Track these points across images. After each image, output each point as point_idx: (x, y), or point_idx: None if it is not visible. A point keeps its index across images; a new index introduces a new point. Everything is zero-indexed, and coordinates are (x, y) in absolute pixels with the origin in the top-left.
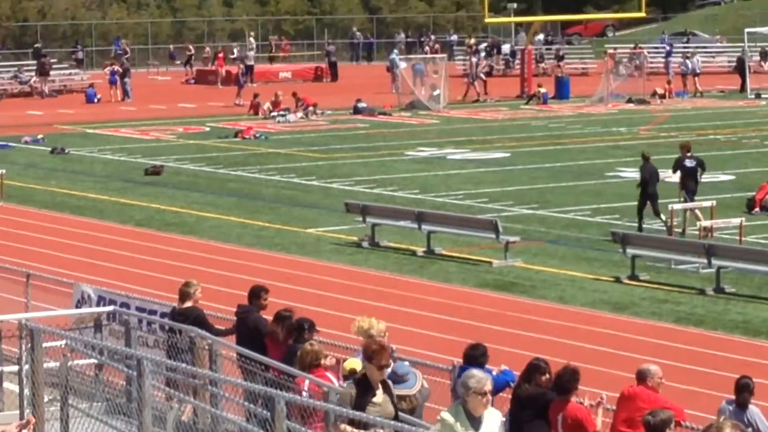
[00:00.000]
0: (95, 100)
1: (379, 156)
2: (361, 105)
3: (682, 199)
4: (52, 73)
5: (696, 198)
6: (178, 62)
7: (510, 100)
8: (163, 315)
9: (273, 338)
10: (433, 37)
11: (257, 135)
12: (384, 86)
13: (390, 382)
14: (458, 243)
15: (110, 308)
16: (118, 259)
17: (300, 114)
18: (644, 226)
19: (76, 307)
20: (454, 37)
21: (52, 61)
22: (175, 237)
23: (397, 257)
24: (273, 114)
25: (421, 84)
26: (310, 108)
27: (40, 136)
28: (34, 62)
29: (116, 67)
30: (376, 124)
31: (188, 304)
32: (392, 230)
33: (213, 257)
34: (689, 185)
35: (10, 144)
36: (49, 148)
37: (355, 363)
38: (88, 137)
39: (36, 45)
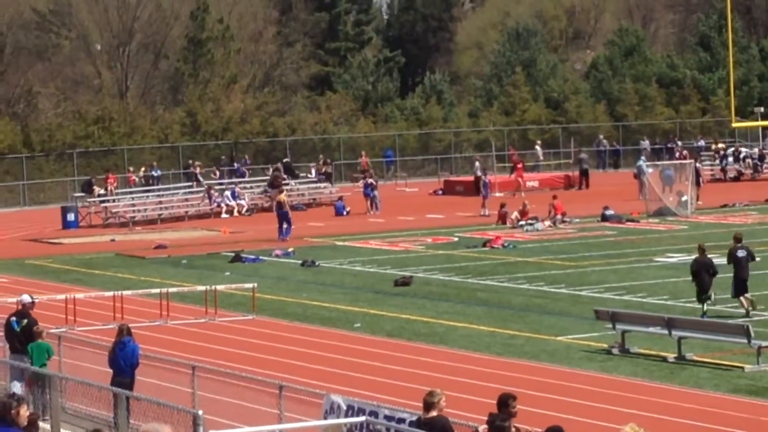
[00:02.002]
0: (344, 213)
1: (628, 263)
2: (609, 212)
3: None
4: (301, 186)
5: None
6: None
7: (759, 204)
8: (411, 424)
9: None
10: (679, 143)
11: (506, 244)
12: (631, 193)
13: None
14: (709, 348)
15: (362, 419)
16: (368, 369)
17: (548, 222)
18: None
19: (325, 417)
20: (701, 143)
21: (302, 174)
22: (425, 347)
23: (648, 364)
24: (521, 223)
25: (669, 190)
26: (558, 216)
27: (290, 249)
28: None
29: (370, 180)
30: (624, 231)
31: (433, 413)
32: (642, 336)
33: (463, 366)
34: (741, 274)
35: (261, 257)
36: (300, 261)
37: None
38: (338, 250)
39: (285, 160)
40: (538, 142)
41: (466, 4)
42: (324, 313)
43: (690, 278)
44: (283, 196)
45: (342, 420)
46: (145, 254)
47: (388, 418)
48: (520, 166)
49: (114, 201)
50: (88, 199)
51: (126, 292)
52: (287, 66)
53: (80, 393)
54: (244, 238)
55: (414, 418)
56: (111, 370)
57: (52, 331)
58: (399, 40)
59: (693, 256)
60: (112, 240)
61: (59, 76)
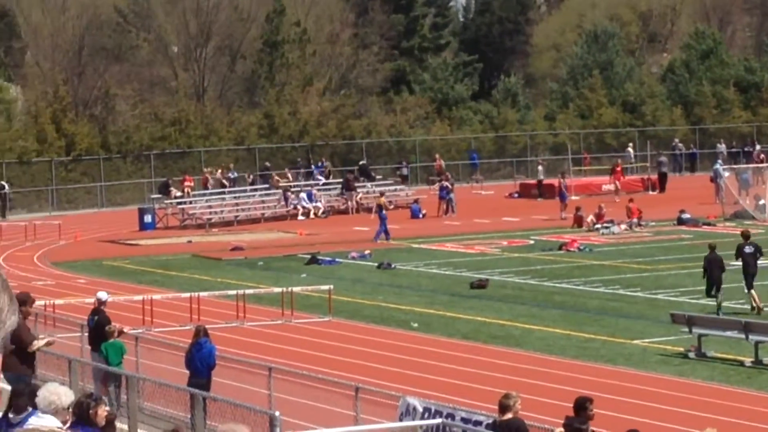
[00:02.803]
0: (420, 216)
1: None
2: (685, 216)
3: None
4: (377, 189)
5: None
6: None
7: None
8: (487, 426)
9: None
10: (758, 146)
11: (581, 247)
12: (707, 197)
13: None
14: None
15: (438, 421)
16: (444, 372)
17: (624, 226)
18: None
19: (401, 419)
20: None
21: (378, 177)
22: (501, 349)
23: (725, 368)
24: (597, 226)
25: (746, 194)
26: (634, 219)
27: (366, 252)
28: (361, 179)
29: (446, 183)
30: (701, 234)
31: (509, 415)
32: (719, 341)
33: (538, 369)
34: (750, 269)
35: (338, 260)
36: (376, 263)
37: None
38: (414, 252)
39: (361, 162)
40: (630, 144)
41: (542, 7)
42: (400, 315)
43: (702, 274)
44: (383, 199)
45: (418, 422)
46: (222, 256)
47: (464, 420)
48: (619, 169)
49: (191, 203)
50: (165, 201)
51: (203, 294)
52: (363, 68)
53: (157, 393)
54: (320, 240)
55: (490, 421)
56: (188, 371)
57: (130, 332)
58: (475, 43)
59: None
60: (189, 241)
61: (136, 77)
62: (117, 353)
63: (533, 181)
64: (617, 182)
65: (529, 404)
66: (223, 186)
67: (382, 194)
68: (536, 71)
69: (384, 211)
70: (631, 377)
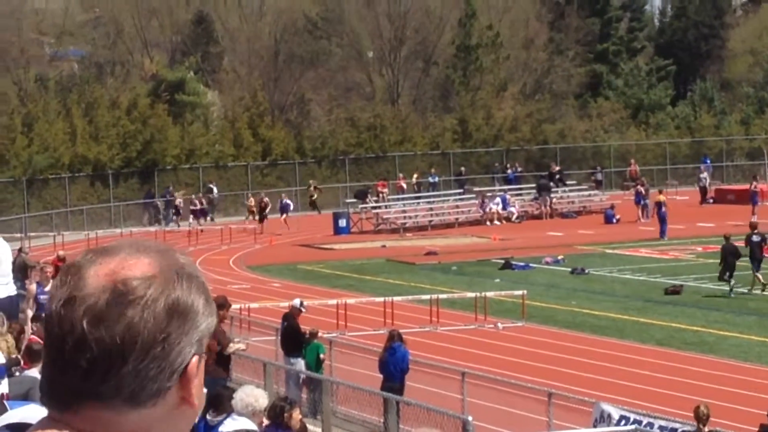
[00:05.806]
0: (614, 221)
1: None
2: None
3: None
4: (571, 194)
5: None
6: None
7: None
8: None
9: None
10: None
11: None
12: None
13: None
14: None
15: (631, 427)
16: (638, 378)
17: None
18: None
19: (595, 425)
20: None
21: (571, 182)
22: (695, 356)
23: None
24: None
25: None
26: None
27: (560, 257)
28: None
29: (640, 188)
30: None
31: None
32: None
33: (733, 376)
34: (756, 255)
35: (531, 265)
36: (569, 269)
37: None
38: (608, 257)
39: (556, 168)
40: None
41: (737, 11)
42: (594, 321)
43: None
44: (662, 197)
45: (613, 428)
46: (416, 260)
47: (662, 428)
48: None
49: (385, 207)
50: (360, 206)
51: (396, 298)
52: (558, 73)
53: (351, 397)
54: (513, 245)
55: (688, 429)
56: (381, 375)
57: (324, 335)
58: (670, 47)
59: None
60: (383, 246)
61: (331, 83)
62: (313, 354)
63: (728, 187)
64: None
65: (723, 411)
66: (418, 191)
67: (660, 191)
68: (732, 76)
69: (664, 209)
70: None
